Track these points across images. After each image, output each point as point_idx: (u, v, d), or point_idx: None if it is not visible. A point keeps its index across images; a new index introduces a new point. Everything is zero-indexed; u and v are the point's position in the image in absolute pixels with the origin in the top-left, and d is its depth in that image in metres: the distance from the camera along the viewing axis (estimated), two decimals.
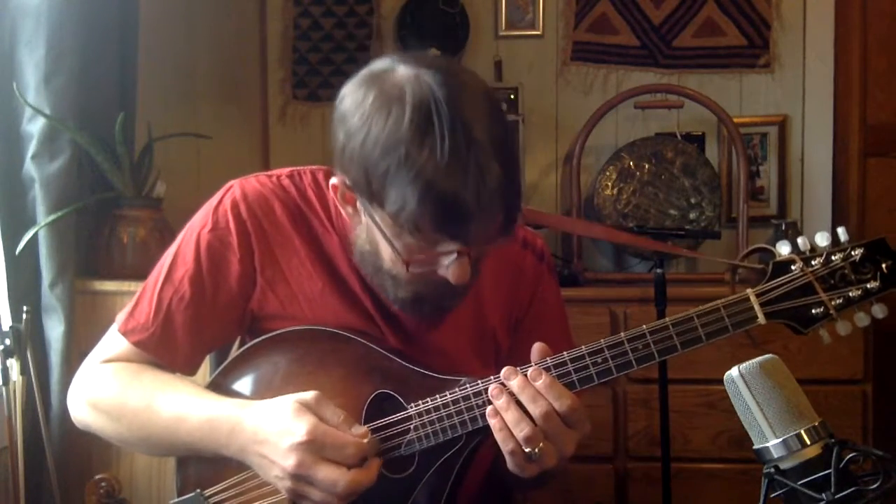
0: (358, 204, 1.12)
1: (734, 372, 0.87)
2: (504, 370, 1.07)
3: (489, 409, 1.06)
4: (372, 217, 1.09)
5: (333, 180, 1.13)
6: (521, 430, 1.04)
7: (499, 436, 1.06)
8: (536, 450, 1.05)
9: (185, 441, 1.16)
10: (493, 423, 1.06)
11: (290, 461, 1.04)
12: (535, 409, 1.05)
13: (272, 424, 1.07)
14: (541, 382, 1.06)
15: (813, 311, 1.08)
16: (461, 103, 1.01)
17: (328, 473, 1.04)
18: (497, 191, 1.01)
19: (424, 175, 0.99)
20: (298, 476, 1.05)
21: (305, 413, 1.06)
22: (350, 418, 1.09)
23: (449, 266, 1.07)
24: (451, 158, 0.99)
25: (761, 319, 1.08)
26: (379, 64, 1.08)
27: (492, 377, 1.10)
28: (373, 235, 1.11)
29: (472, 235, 1.03)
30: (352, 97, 1.06)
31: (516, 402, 1.05)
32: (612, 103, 2.65)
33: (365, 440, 1.07)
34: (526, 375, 1.06)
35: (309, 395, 1.09)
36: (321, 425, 1.06)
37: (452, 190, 0.99)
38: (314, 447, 1.04)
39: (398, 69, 1.05)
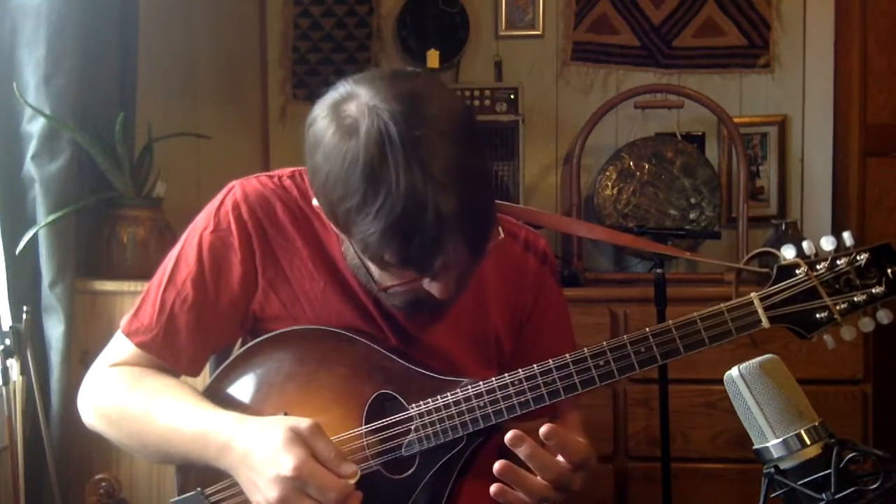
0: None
1: (734, 372, 0.87)
2: (510, 436, 1.03)
3: (494, 488, 1.04)
4: (350, 243, 1.11)
5: (315, 202, 1.13)
6: (535, 496, 1.04)
7: (507, 501, 1.05)
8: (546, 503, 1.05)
9: (179, 451, 1.15)
10: (502, 500, 1.04)
11: (272, 493, 1.03)
12: (549, 475, 1.04)
13: (262, 450, 1.06)
14: (554, 443, 1.03)
15: (817, 315, 1.07)
16: (417, 136, 0.99)
17: None
18: (457, 223, 0.99)
19: (381, 217, 0.98)
20: None
21: (296, 445, 1.04)
22: (342, 456, 1.07)
23: (431, 285, 1.07)
24: (407, 198, 0.97)
25: (765, 323, 1.08)
26: (341, 89, 1.05)
27: (493, 379, 1.10)
28: (360, 257, 1.12)
29: (437, 267, 1.03)
30: (316, 127, 1.05)
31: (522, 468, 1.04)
32: (612, 103, 2.65)
33: (353, 480, 1.05)
34: (529, 442, 1.03)
35: (304, 423, 1.06)
36: (309, 462, 1.03)
37: (410, 229, 0.98)
38: (299, 483, 1.02)
39: (359, 97, 1.02)
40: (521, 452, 1.04)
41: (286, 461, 1.02)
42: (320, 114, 1.05)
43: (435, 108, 1.02)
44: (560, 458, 1.05)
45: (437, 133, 1.00)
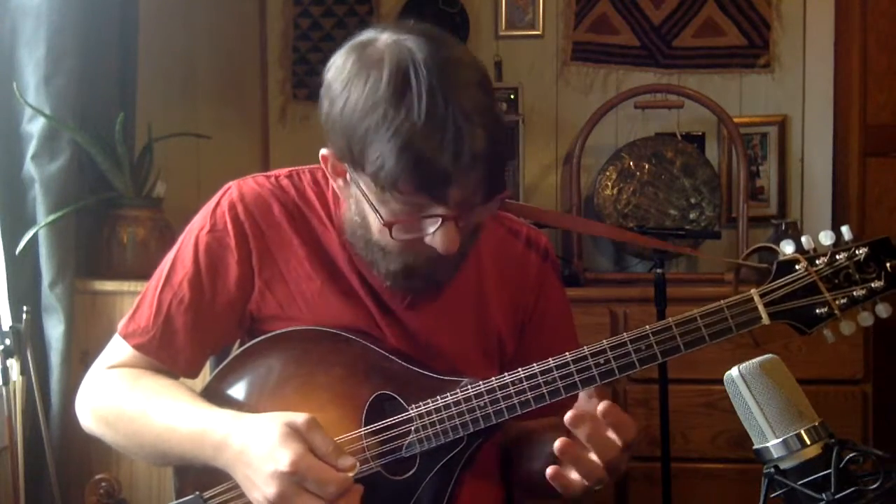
0: (347, 174, 1.12)
1: (734, 372, 0.87)
2: (569, 416, 1.03)
3: (550, 471, 1.04)
4: (357, 184, 1.09)
5: (323, 151, 1.13)
6: (593, 477, 1.04)
7: (560, 487, 1.05)
8: (600, 485, 1.05)
9: (176, 451, 1.15)
10: (555, 484, 1.04)
11: (270, 489, 1.03)
12: (608, 454, 1.04)
13: (258, 447, 1.05)
14: (612, 419, 1.04)
15: (817, 310, 1.07)
16: (442, 67, 1.01)
17: None
18: (476, 153, 1.00)
19: (401, 134, 0.99)
20: None
21: (293, 440, 1.03)
22: (340, 449, 1.06)
23: (435, 233, 1.06)
24: (428, 118, 0.99)
25: (765, 320, 1.07)
26: (365, 33, 1.08)
27: (493, 379, 1.10)
28: (361, 206, 1.11)
29: (451, 196, 1.02)
30: (335, 66, 1.07)
31: (583, 448, 1.04)
32: (612, 103, 2.65)
33: (351, 473, 1.05)
34: (595, 419, 1.03)
35: (300, 418, 1.06)
36: (306, 457, 1.03)
37: (429, 148, 0.99)
38: (297, 478, 1.02)
39: (381, 37, 1.06)
40: (582, 432, 1.03)
41: (283, 456, 1.02)
42: (340, 54, 1.08)
43: (459, 53, 1.06)
44: (614, 437, 1.04)
45: (462, 72, 1.03)
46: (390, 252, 1.12)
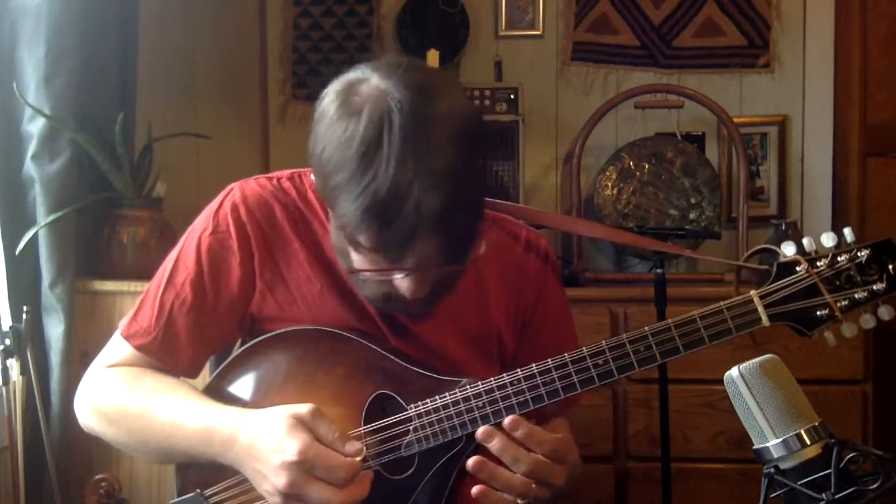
0: None
1: (734, 372, 0.87)
2: (480, 432, 1.07)
3: (476, 490, 1.05)
4: (334, 221, 1.11)
5: (312, 177, 1.14)
6: (514, 490, 1.05)
7: (489, 502, 1.06)
8: (530, 497, 1.06)
9: (182, 447, 1.15)
10: (484, 502, 1.05)
11: (281, 480, 1.03)
12: (521, 468, 1.05)
13: (265, 439, 1.06)
14: (520, 433, 1.06)
15: (818, 312, 1.07)
16: (418, 126, 1.00)
17: (319, 494, 1.03)
18: (436, 223, 0.99)
19: (364, 198, 0.99)
20: (289, 494, 1.04)
21: (299, 430, 1.05)
22: (345, 434, 1.08)
23: (402, 281, 1.07)
24: (391, 186, 0.98)
25: (765, 321, 1.07)
26: (357, 71, 1.07)
27: (492, 378, 1.10)
28: (340, 238, 1.12)
29: (408, 261, 1.03)
30: (325, 101, 1.07)
31: (497, 463, 1.05)
32: (612, 103, 2.65)
33: (359, 458, 1.06)
34: (503, 432, 1.06)
35: (304, 408, 1.07)
36: (314, 445, 1.04)
37: (388, 217, 0.99)
38: (306, 467, 1.03)
39: (371, 81, 1.04)
40: (493, 447, 1.05)
41: (291, 446, 1.03)
42: (332, 89, 1.07)
43: (443, 108, 1.02)
44: (524, 451, 1.05)
45: (439, 132, 1.01)
46: (368, 283, 1.13)
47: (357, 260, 1.09)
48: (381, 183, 0.98)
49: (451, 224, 1.01)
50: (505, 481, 1.05)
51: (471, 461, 1.05)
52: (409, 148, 0.99)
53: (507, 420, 1.06)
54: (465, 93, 1.11)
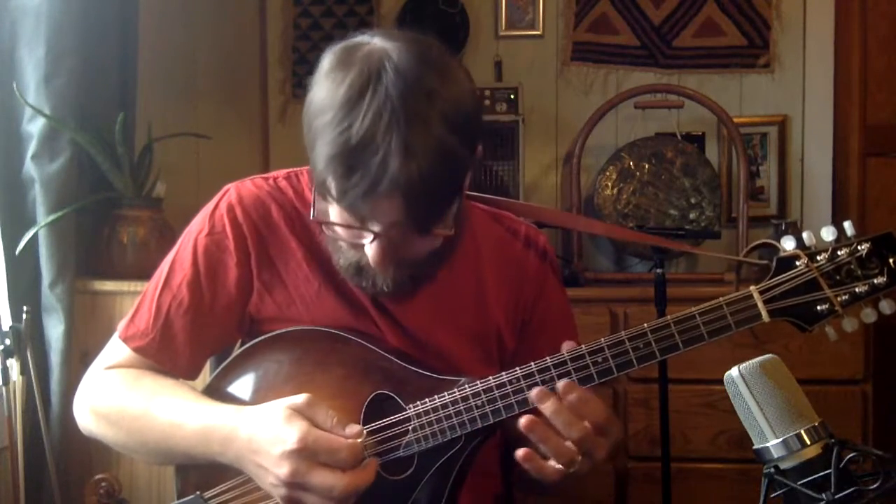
0: None
1: (734, 372, 0.87)
2: (535, 392, 1.05)
3: (521, 453, 1.03)
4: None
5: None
6: (562, 458, 1.04)
7: (534, 469, 1.04)
8: (574, 468, 1.05)
9: (181, 447, 1.15)
10: (528, 466, 1.04)
11: (283, 469, 1.03)
12: (573, 434, 1.03)
13: (264, 432, 1.06)
14: (574, 397, 1.04)
15: (818, 307, 1.05)
16: (407, 92, 1.00)
17: (323, 479, 1.03)
18: (399, 185, 0.99)
19: (335, 142, 1.00)
20: (293, 484, 1.04)
21: (297, 419, 1.05)
22: (343, 419, 1.07)
23: (369, 247, 1.07)
24: (364, 138, 0.99)
25: (765, 317, 1.06)
26: (365, 35, 1.08)
27: (491, 377, 1.10)
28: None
29: (369, 214, 1.03)
30: (324, 60, 1.08)
31: (550, 427, 1.04)
32: (612, 103, 2.65)
33: (359, 440, 1.06)
34: (559, 396, 1.04)
35: (300, 398, 1.07)
36: (313, 431, 1.04)
37: (353, 166, 1.00)
38: (307, 453, 1.03)
39: (374, 41, 1.05)
40: (547, 408, 1.03)
41: (290, 435, 1.03)
42: (332, 49, 1.08)
43: (438, 83, 1.02)
44: (578, 415, 1.04)
45: (429, 101, 1.01)
46: (341, 247, 1.13)
47: (331, 213, 1.09)
48: (354, 132, 0.99)
49: (414, 189, 1.00)
50: (554, 446, 1.03)
51: (524, 419, 1.04)
52: (389, 106, 0.99)
53: (561, 383, 1.04)
54: (469, 82, 1.10)
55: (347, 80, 1.01)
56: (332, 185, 1.02)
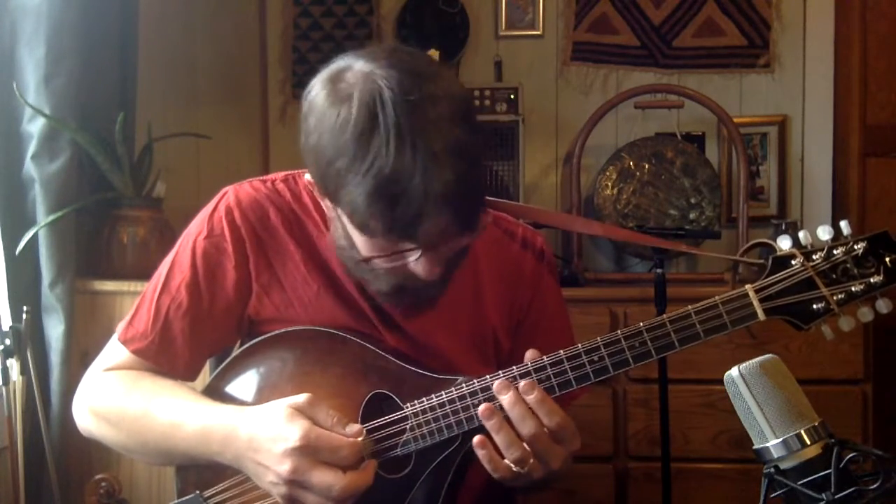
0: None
1: (734, 372, 0.87)
2: (497, 383, 1.07)
3: (476, 439, 1.05)
4: (338, 214, 1.10)
5: (307, 176, 1.14)
6: (513, 453, 1.05)
7: (485, 458, 1.06)
8: (525, 468, 1.05)
9: (181, 448, 1.15)
10: (481, 453, 1.05)
11: (284, 467, 1.04)
12: (525, 429, 1.05)
13: (266, 431, 1.06)
14: (532, 397, 1.05)
15: (814, 306, 1.05)
16: (411, 103, 1.00)
17: (323, 477, 1.04)
18: (444, 194, 0.99)
19: (368, 180, 0.99)
20: (294, 482, 1.04)
21: (298, 417, 1.06)
22: (343, 419, 1.08)
23: (416, 263, 1.07)
24: (395, 162, 0.98)
25: (760, 316, 1.06)
26: (341, 60, 1.08)
27: (487, 376, 1.10)
28: (346, 231, 1.11)
29: (421, 236, 1.03)
30: (310, 96, 1.08)
31: (506, 420, 1.05)
32: (612, 103, 2.65)
33: (359, 438, 1.07)
34: (518, 389, 1.06)
35: (301, 398, 1.08)
36: (314, 429, 1.05)
37: (396, 194, 0.99)
38: (308, 451, 1.04)
39: (355, 67, 1.05)
40: (504, 399, 1.05)
41: (292, 433, 1.04)
42: (318, 81, 1.08)
43: (432, 84, 1.03)
44: (533, 414, 1.05)
45: (432, 106, 1.01)
46: (378, 274, 1.13)
47: (366, 248, 1.08)
48: (383, 163, 0.98)
49: (459, 192, 1.01)
50: (505, 437, 1.04)
51: (483, 406, 1.06)
52: (405, 123, 0.99)
53: (522, 383, 1.06)
54: (452, 74, 1.10)
55: (352, 114, 1.00)
56: (375, 221, 1.01)
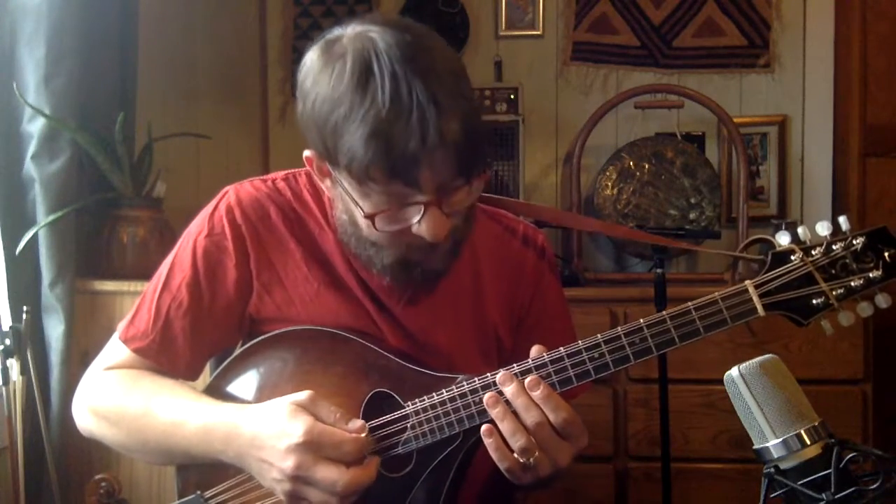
0: (331, 174, 1.12)
1: (734, 372, 0.87)
2: (500, 374, 1.07)
3: (485, 427, 1.05)
4: (339, 182, 1.10)
5: (306, 153, 1.14)
6: (517, 441, 1.04)
7: (493, 447, 1.06)
8: (531, 459, 1.05)
9: (182, 446, 1.15)
10: (488, 441, 1.05)
11: (288, 463, 1.04)
12: (529, 419, 1.05)
13: (269, 428, 1.07)
14: (538, 393, 1.05)
15: (813, 301, 1.05)
16: (406, 52, 1.01)
17: (327, 473, 1.04)
18: (443, 134, 0.99)
19: (367, 122, 0.99)
20: (297, 477, 1.04)
21: (301, 413, 1.06)
22: (346, 415, 1.08)
23: (420, 222, 1.06)
24: (392, 103, 0.99)
25: (760, 311, 1.06)
26: (333, 30, 1.09)
27: (489, 374, 1.10)
28: (346, 203, 1.11)
29: (424, 180, 1.02)
30: (304, 65, 1.09)
31: (512, 412, 1.05)
32: (612, 103, 2.65)
33: (362, 434, 1.07)
34: (522, 382, 1.06)
35: (303, 395, 1.08)
36: (317, 425, 1.05)
37: (395, 133, 0.99)
38: (312, 447, 1.04)
39: (347, 31, 1.07)
40: (508, 390, 1.05)
41: (295, 429, 1.04)
42: (311, 50, 1.09)
43: (428, 41, 1.05)
44: (537, 406, 1.05)
45: (428, 55, 1.03)
46: (382, 246, 1.12)
47: (368, 207, 1.07)
48: (380, 104, 0.99)
49: (458, 133, 1.01)
50: (510, 426, 1.04)
51: (488, 394, 1.06)
52: (400, 69, 1.00)
53: (528, 379, 1.06)
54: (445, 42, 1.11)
55: (347, 67, 1.02)
56: (378, 164, 1.00)
